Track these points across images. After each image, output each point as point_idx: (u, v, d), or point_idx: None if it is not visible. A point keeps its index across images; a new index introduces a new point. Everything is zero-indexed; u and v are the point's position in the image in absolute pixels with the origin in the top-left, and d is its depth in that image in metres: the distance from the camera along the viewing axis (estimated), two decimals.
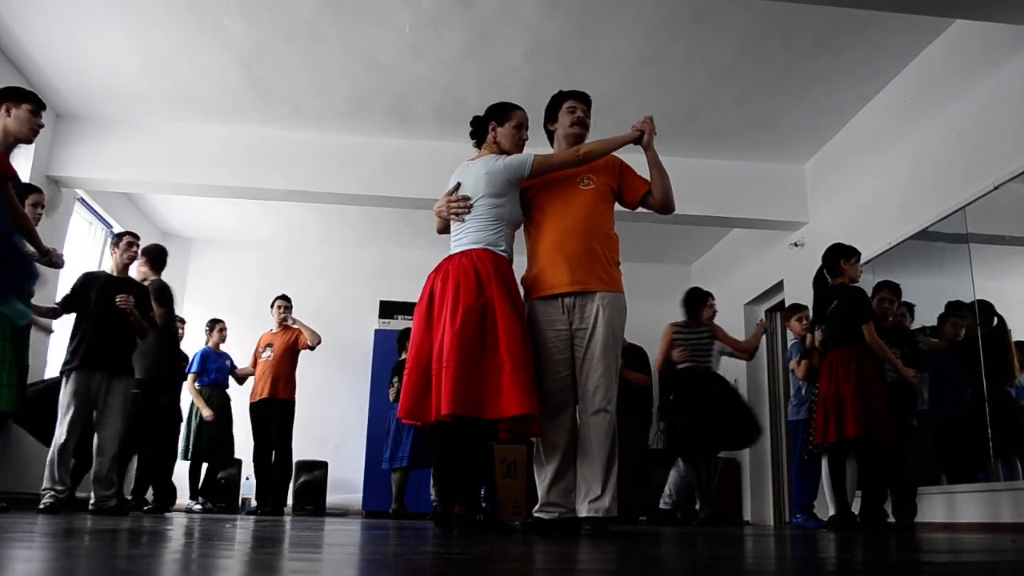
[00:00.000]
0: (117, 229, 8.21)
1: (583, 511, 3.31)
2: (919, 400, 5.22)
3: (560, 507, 3.38)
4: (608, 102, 6.40)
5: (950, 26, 5.44)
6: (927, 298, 5.21)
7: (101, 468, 5.12)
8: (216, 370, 7.46)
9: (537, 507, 3.40)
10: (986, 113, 5.19)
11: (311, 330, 7.27)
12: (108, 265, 5.52)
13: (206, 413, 7.19)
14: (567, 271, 3.38)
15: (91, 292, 5.22)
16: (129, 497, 6.16)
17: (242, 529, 3.38)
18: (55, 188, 6.78)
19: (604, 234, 3.48)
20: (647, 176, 3.59)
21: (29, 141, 4.14)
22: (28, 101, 4.09)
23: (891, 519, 4.96)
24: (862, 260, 5.38)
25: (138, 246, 5.58)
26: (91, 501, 5.08)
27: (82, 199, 7.46)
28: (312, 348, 7.30)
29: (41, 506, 4.79)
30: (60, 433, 4.92)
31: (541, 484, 3.41)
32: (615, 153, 3.58)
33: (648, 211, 3.63)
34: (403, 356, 7.39)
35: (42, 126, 4.18)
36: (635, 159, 3.63)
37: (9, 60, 5.94)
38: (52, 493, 4.83)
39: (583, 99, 3.66)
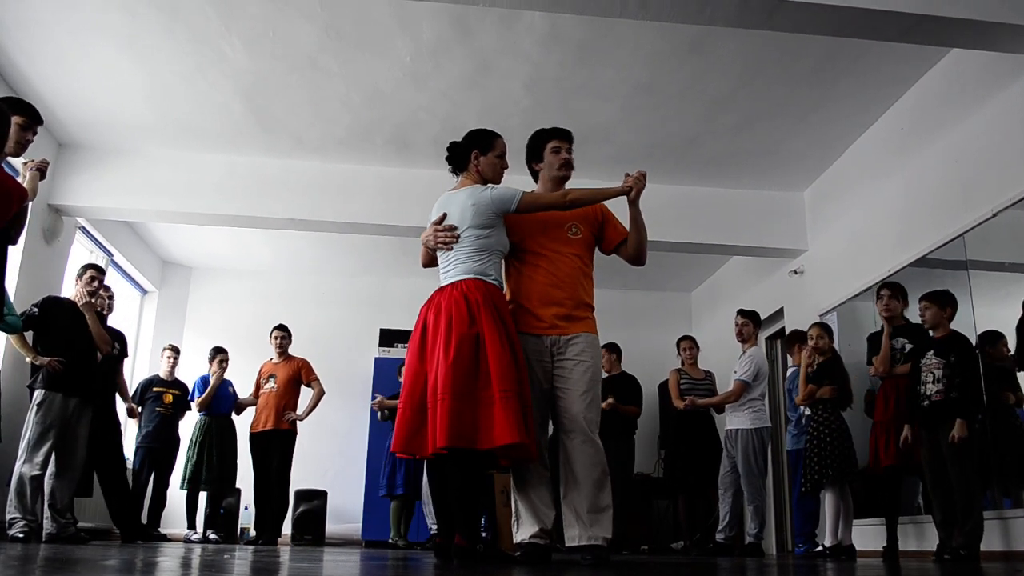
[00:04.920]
0: (118, 258, 8.24)
1: (581, 539, 3.26)
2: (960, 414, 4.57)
3: (550, 535, 3.36)
4: (607, 132, 6.45)
5: (947, 54, 5.48)
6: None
7: (63, 496, 5.09)
8: (218, 397, 7.44)
9: (530, 534, 3.34)
10: (984, 140, 5.21)
11: (317, 400, 7.35)
12: (70, 294, 5.55)
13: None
14: (556, 317, 3.43)
15: (59, 317, 5.23)
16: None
17: (240, 560, 3.35)
18: (56, 216, 6.80)
19: (587, 281, 3.56)
20: (626, 222, 3.62)
21: (15, 155, 4.00)
22: (20, 113, 3.91)
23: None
24: (861, 288, 5.40)
25: (101, 281, 5.58)
26: (47, 530, 5.04)
27: (83, 227, 7.48)
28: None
29: (19, 535, 4.75)
30: (35, 462, 4.87)
31: (531, 511, 3.36)
32: None
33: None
34: None
35: (30, 141, 4.01)
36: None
37: (12, 89, 5.97)
38: (24, 522, 4.79)
39: (567, 137, 3.67)
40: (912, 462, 4.98)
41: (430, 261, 3.58)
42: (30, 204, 4.16)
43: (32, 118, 4.01)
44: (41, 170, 4.27)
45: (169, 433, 7.19)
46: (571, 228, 3.54)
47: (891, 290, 5.32)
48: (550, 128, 3.71)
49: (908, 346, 5.13)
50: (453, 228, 3.39)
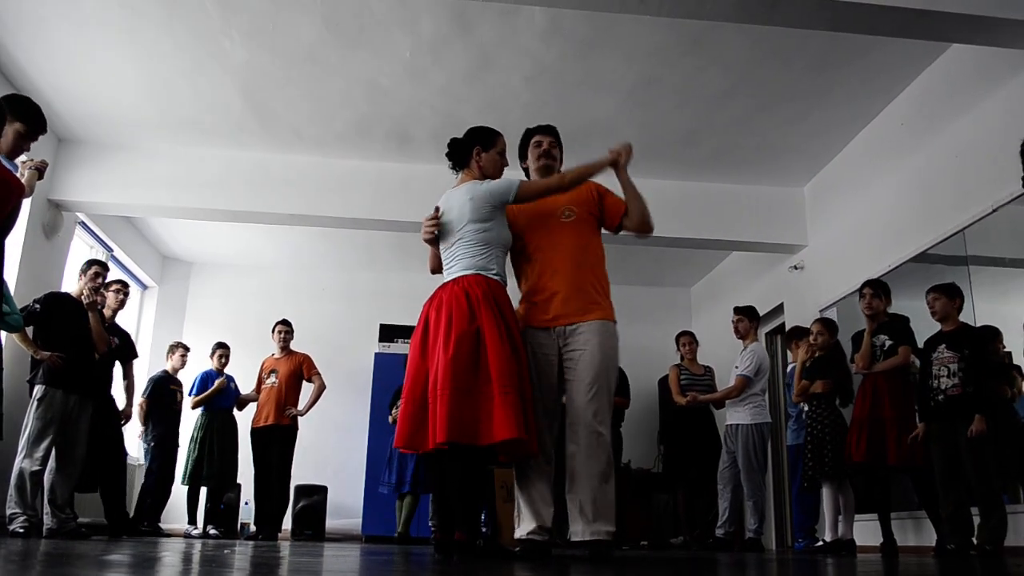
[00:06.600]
0: (118, 253, 8.24)
1: (584, 534, 3.27)
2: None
3: (549, 531, 3.36)
4: (607, 126, 6.44)
5: (947, 49, 5.47)
6: (927, 321, 5.18)
7: (63, 492, 5.09)
8: (219, 392, 7.44)
9: (529, 530, 3.34)
10: (984, 135, 5.21)
11: (317, 394, 7.38)
12: (72, 289, 5.55)
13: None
14: (557, 307, 3.42)
15: (61, 314, 5.24)
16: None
17: (240, 555, 3.36)
18: (56, 212, 6.80)
19: (592, 264, 3.52)
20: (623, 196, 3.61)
21: (10, 158, 3.98)
22: (24, 121, 3.87)
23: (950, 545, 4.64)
24: (861, 283, 5.39)
25: (104, 276, 5.59)
26: (47, 525, 5.03)
27: (83, 223, 7.48)
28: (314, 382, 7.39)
29: (20, 530, 4.75)
30: (36, 458, 4.87)
31: (531, 507, 3.36)
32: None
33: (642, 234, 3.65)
34: None
35: (26, 150, 3.96)
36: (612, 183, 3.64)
37: (12, 85, 5.97)
38: (25, 517, 4.80)
39: (548, 131, 3.72)
40: (884, 461, 4.98)
41: (437, 265, 3.56)
42: (26, 201, 4.18)
43: (33, 128, 3.93)
44: (40, 169, 4.28)
45: (178, 430, 7.26)
46: (564, 213, 3.54)
47: (873, 288, 5.31)
48: (534, 126, 3.76)
49: (888, 343, 5.17)
50: (436, 211, 3.43)
